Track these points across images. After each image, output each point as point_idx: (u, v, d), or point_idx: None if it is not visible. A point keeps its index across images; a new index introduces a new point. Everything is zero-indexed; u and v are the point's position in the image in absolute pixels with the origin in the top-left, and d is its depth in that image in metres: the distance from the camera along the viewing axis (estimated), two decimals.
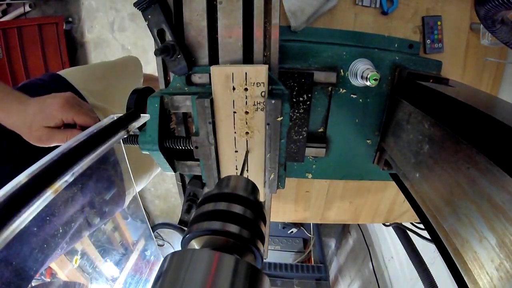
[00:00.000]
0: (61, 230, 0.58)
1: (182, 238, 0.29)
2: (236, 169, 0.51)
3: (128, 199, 0.83)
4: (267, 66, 0.43)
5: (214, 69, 0.43)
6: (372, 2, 0.69)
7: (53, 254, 0.60)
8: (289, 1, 0.65)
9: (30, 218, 0.24)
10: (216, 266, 0.21)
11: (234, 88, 0.43)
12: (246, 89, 0.43)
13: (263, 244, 0.30)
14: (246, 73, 0.42)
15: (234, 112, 0.46)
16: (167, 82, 0.54)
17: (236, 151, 0.49)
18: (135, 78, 1.08)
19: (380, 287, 1.63)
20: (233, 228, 0.28)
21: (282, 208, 0.99)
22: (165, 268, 0.22)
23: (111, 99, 0.86)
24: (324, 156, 0.75)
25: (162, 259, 0.22)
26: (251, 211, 0.31)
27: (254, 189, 0.37)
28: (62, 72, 0.78)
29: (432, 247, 1.17)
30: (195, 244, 0.29)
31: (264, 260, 0.69)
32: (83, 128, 0.49)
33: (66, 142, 0.31)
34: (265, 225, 0.32)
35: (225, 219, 0.28)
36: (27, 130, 0.49)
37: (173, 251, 0.24)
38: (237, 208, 0.30)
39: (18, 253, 0.47)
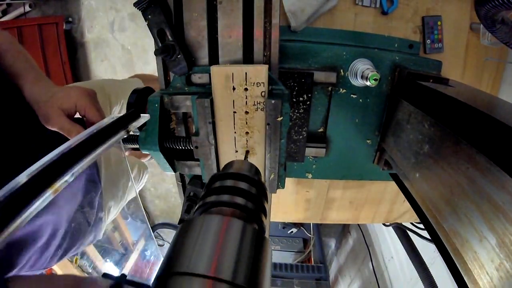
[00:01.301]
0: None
1: (194, 212, 0.31)
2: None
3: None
4: (267, 66, 0.43)
5: (214, 69, 0.43)
6: (372, 2, 0.69)
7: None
8: (289, 1, 0.65)
9: (30, 218, 0.24)
10: (226, 229, 0.23)
11: (234, 88, 0.43)
12: (246, 89, 0.43)
13: (265, 218, 0.32)
14: (246, 73, 0.42)
15: (234, 112, 0.46)
16: (167, 82, 0.54)
17: (236, 151, 0.49)
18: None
19: (380, 287, 1.63)
20: (239, 200, 0.30)
21: (282, 208, 0.99)
22: (180, 233, 0.24)
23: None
24: (324, 156, 0.75)
25: (162, 258, 0.23)
26: (255, 188, 0.33)
27: (257, 171, 0.39)
28: None
29: (432, 247, 1.17)
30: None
31: None
32: (90, 125, 0.50)
33: (66, 142, 0.31)
34: (267, 202, 0.34)
35: (232, 193, 0.30)
36: (42, 105, 0.51)
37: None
38: (242, 185, 0.32)
39: None
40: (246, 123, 0.46)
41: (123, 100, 0.96)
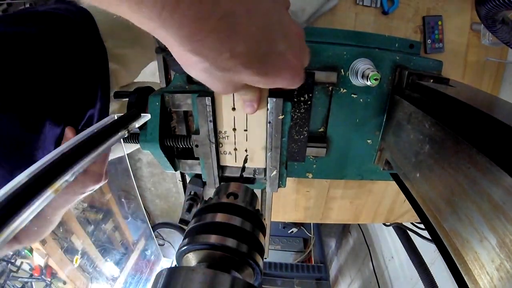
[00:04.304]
0: None
1: (178, 250, 0.28)
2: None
3: None
4: None
5: None
6: (373, 1, 0.69)
7: None
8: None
9: (30, 218, 0.24)
10: (211, 286, 0.20)
11: None
12: None
13: (262, 256, 0.29)
14: None
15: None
16: (168, 81, 0.54)
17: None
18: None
19: (381, 287, 1.63)
20: (230, 242, 0.27)
21: (282, 208, 0.99)
22: (158, 286, 0.21)
23: (129, 59, 0.85)
24: (324, 156, 0.75)
25: (163, 258, 0.22)
26: (250, 222, 0.30)
27: (253, 197, 0.36)
28: (88, 7, 0.71)
29: (432, 247, 1.17)
30: (191, 258, 0.29)
31: (265, 260, 0.69)
32: None
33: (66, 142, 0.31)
34: (264, 236, 0.32)
35: (223, 232, 0.28)
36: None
37: (168, 267, 0.23)
38: (235, 220, 0.29)
39: None
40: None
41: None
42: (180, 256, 0.29)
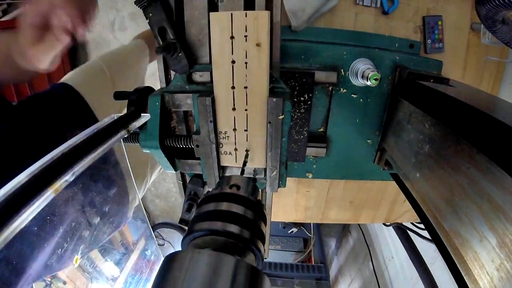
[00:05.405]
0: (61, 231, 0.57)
1: (183, 238, 0.29)
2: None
3: (132, 207, 0.82)
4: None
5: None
6: (373, 1, 0.69)
7: (57, 258, 0.59)
8: (290, 1, 0.65)
9: (30, 218, 0.24)
10: (216, 267, 0.21)
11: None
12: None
13: (263, 244, 0.30)
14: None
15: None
16: (168, 81, 0.54)
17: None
18: (138, 65, 1.02)
19: (381, 287, 1.63)
20: (233, 228, 0.28)
21: (282, 208, 0.99)
22: (165, 269, 0.22)
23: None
24: (324, 156, 0.75)
25: (163, 258, 0.22)
26: (252, 211, 0.31)
27: (254, 189, 0.37)
28: (67, 80, 0.74)
29: (432, 247, 1.17)
30: (196, 244, 0.29)
31: (265, 260, 0.69)
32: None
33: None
34: (265, 225, 0.32)
35: (226, 219, 0.28)
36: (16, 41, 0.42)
37: (173, 251, 0.24)
38: (238, 209, 0.30)
39: (18, 252, 0.46)
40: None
41: (128, 71, 0.91)
42: (185, 244, 0.29)
